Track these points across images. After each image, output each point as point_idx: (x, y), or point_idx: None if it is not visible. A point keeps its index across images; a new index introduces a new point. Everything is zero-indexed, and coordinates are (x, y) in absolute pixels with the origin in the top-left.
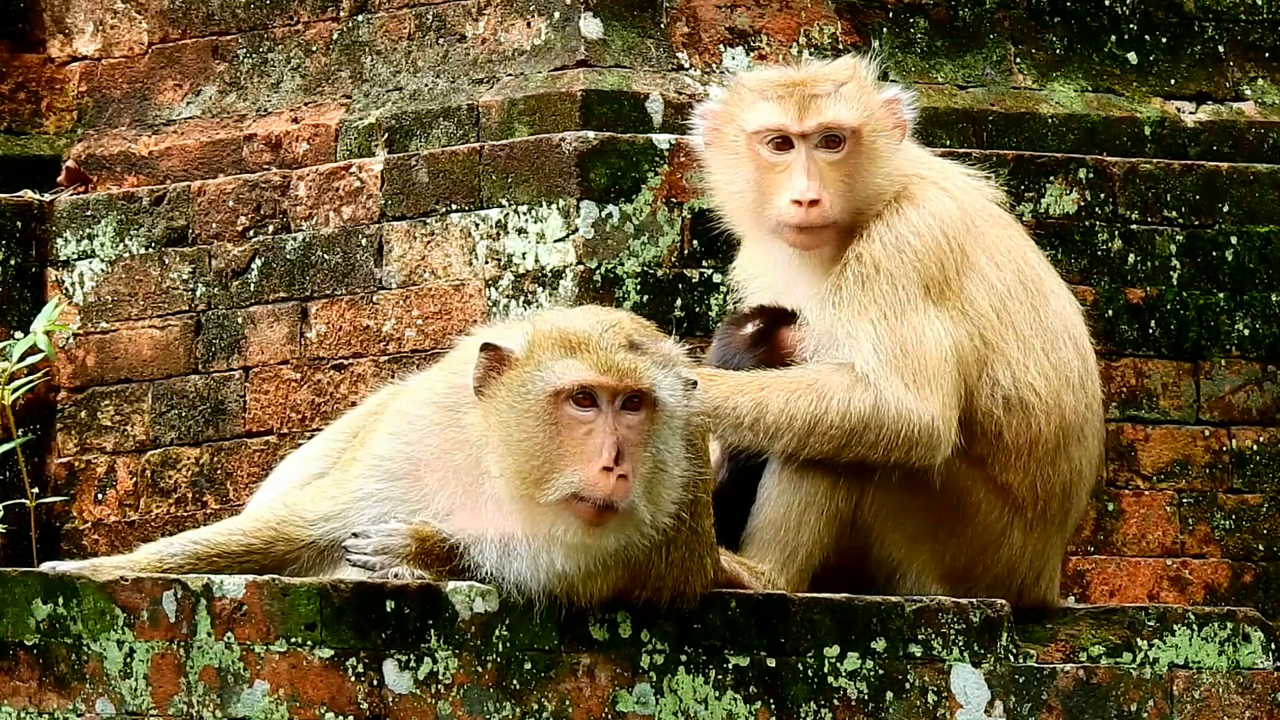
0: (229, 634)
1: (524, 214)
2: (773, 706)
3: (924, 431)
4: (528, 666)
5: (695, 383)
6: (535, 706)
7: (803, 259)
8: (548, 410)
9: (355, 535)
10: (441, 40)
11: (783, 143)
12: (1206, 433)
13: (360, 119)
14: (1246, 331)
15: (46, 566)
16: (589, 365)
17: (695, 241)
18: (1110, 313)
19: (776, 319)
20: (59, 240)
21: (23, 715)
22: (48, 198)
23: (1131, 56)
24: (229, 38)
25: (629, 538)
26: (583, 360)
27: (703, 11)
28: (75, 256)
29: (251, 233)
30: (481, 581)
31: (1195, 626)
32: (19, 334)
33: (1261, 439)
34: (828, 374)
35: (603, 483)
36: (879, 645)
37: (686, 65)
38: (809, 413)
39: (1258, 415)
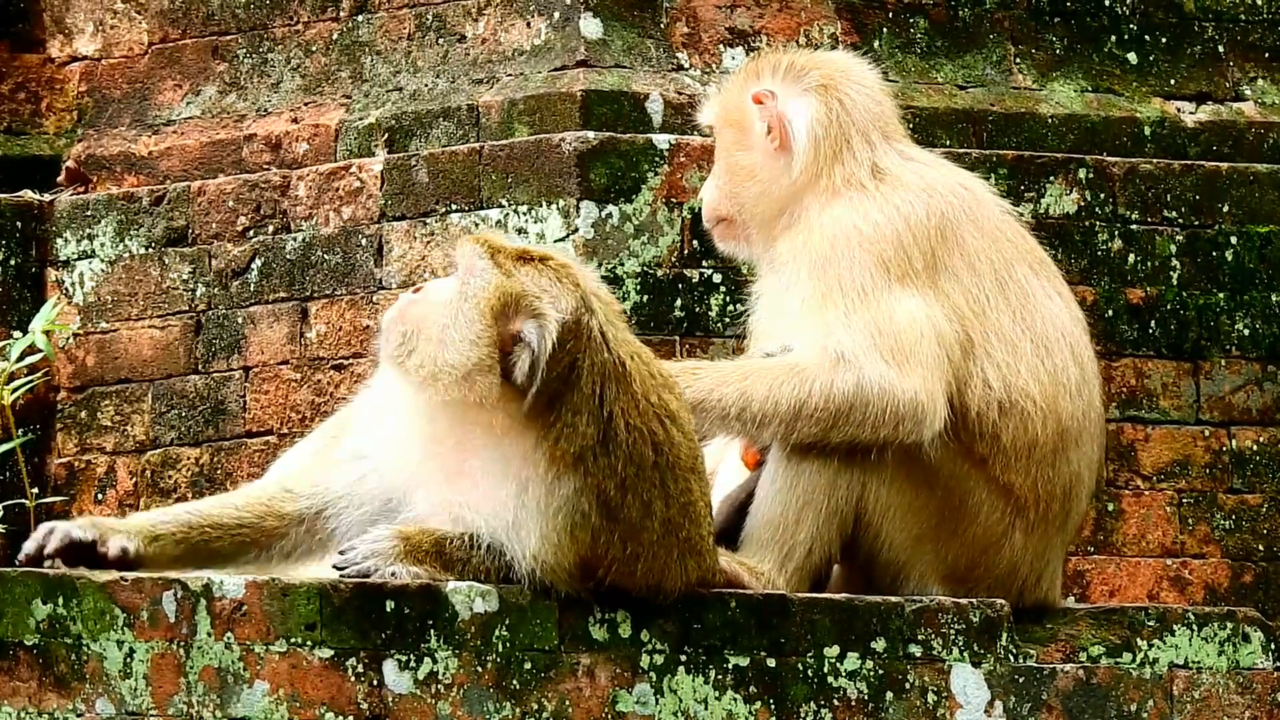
0: (229, 634)
1: (524, 214)
2: (772, 706)
3: (909, 405)
4: (528, 666)
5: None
6: (535, 706)
7: (765, 258)
8: None
9: (341, 552)
10: (441, 40)
11: None
12: (1206, 433)
13: (360, 119)
14: (1246, 331)
15: (51, 536)
16: None
17: (695, 241)
18: (1110, 313)
19: None
20: (59, 240)
21: (23, 715)
22: (48, 198)
23: (1131, 56)
24: (229, 38)
25: (433, 389)
26: None
27: (703, 11)
28: (75, 256)
29: (251, 233)
30: (476, 572)
31: (1195, 626)
32: (19, 334)
33: (1261, 439)
34: (808, 359)
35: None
36: (879, 645)
37: (686, 65)
38: (793, 397)
39: (1258, 415)
